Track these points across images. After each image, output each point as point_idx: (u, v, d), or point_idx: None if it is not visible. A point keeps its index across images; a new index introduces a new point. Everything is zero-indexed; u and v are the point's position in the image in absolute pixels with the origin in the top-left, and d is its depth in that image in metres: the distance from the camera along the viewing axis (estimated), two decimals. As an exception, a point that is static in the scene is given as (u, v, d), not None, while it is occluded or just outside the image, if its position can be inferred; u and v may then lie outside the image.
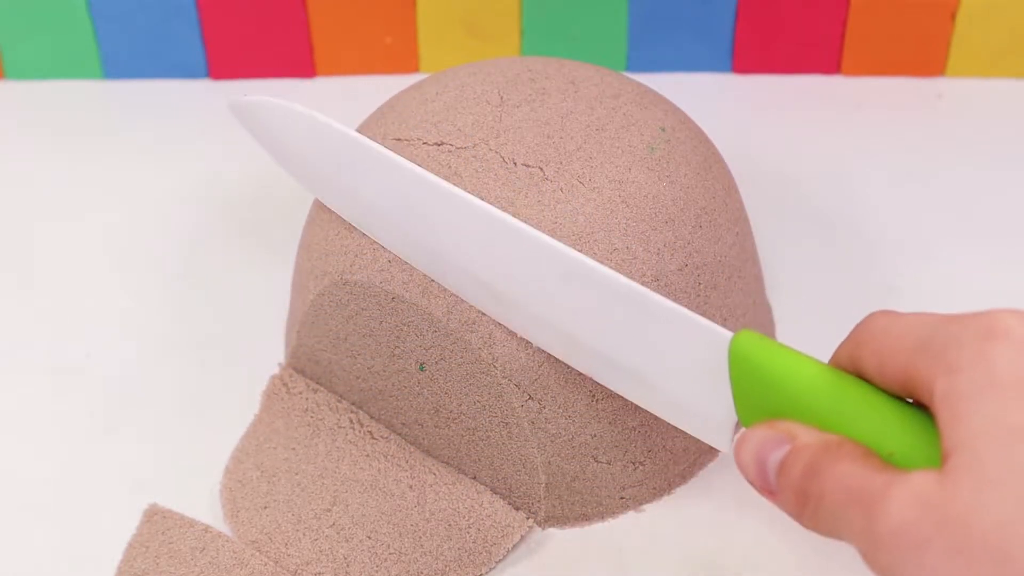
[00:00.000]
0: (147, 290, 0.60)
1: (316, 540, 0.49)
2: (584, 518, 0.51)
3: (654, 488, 0.51)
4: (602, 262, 0.47)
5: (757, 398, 0.39)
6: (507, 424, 0.48)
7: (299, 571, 0.48)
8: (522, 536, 0.49)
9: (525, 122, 0.50)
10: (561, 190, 0.48)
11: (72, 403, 0.55)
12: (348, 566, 0.48)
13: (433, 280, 0.48)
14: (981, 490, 0.32)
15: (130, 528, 0.50)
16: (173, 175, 0.66)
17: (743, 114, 0.69)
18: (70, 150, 0.68)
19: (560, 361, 0.47)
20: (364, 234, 0.49)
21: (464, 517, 0.49)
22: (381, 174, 0.48)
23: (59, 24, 0.69)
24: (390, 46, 0.70)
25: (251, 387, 0.54)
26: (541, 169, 0.48)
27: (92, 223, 0.63)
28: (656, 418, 0.46)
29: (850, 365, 0.38)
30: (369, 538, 0.49)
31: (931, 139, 0.67)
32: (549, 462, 0.49)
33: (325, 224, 0.51)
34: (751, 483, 0.39)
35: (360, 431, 0.52)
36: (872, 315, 0.38)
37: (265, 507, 0.50)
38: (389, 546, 0.49)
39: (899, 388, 0.36)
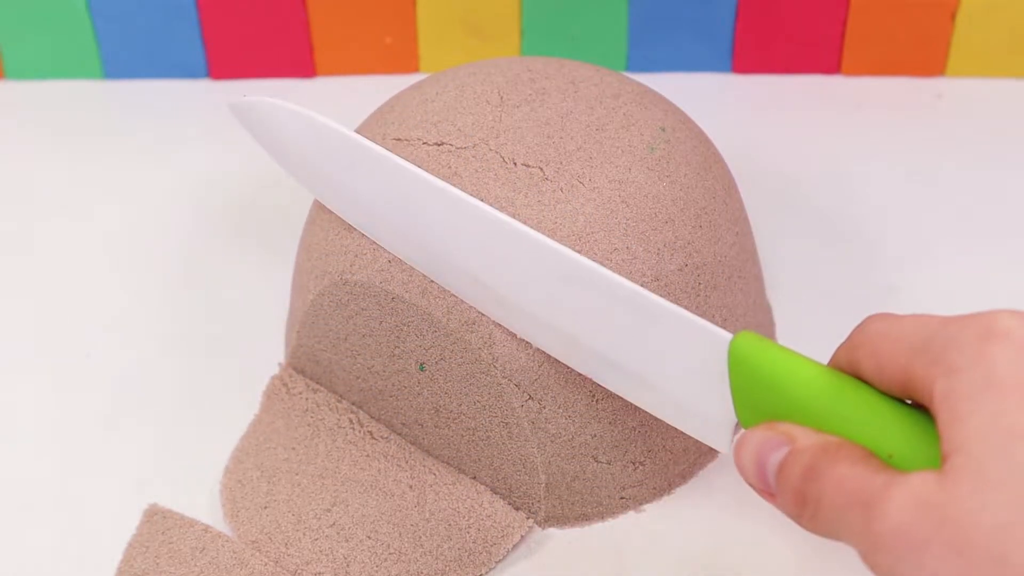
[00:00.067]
0: (147, 290, 0.60)
1: (316, 540, 0.49)
2: (584, 518, 0.51)
3: (654, 488, 0.51)
4: (602, 262, 0.47)
5: (756, 399, 0.39)
6: (507, 424, 0.48)
7: (299, 571, 0.48)
8: (522, 536, 0.49)
9: (525, 122, 0.50)
10: (561, 190, 0.48)
11: (72, 403, 0.55)
12: (348, 566, 0.48)
13: (433, 280, 0.48)
14: (980, 492, 0.32)
15: (130, 528, 0.50)
16: (173, 175, 0.66)
17: (743, 114, 0.69)
18: (70, 150, 0.68)
19: (560, 361, 0.47)
20: (364, 234, 0.49)
21: (464, 517, 0.49)
22: (380, 175, 0.48)
23: (59, 24, 0.69)
24: (390, 46, 0.70)
25: (251, 387, 0.54)
26: (541, 169, 0.48)
27: (92, 223, 0.63)
28: (656, 418, 0.46)
29: (849, 367, 0.38)
30: (369, 538, 0.49)
31: (931, 139, 0.67)
32: (549, 462, 0.49)
33: (325, 224, 0.51)
34: (751, 485, 0.39)
35: (360, 431, 0.52)
36: (870, 317, 0.38)
37: (265, 507, 0.50)
38: (389, 546, 0.49)
39: (898, 390, 0.36)
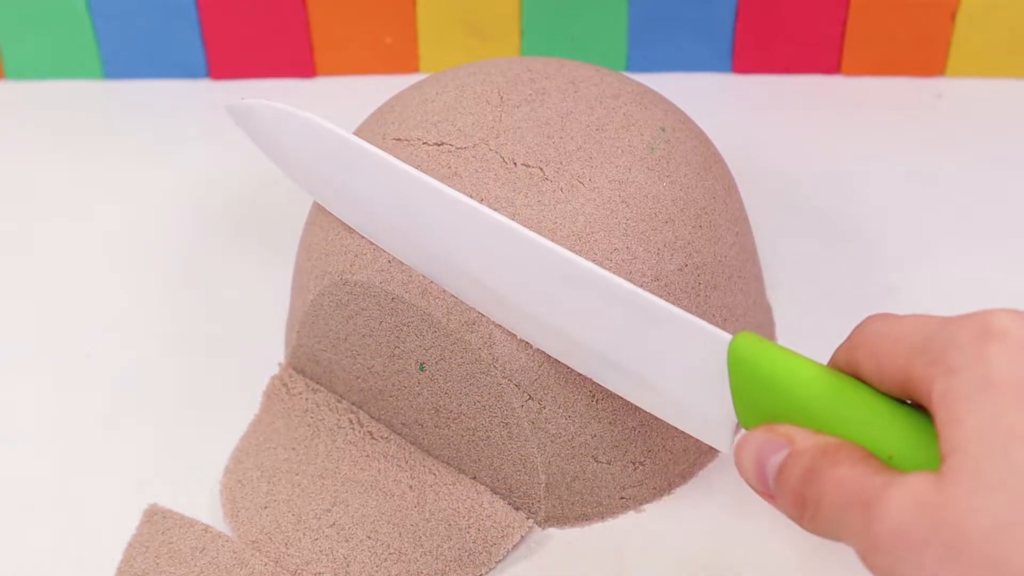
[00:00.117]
0: (147, 290, 0.60)
1: (316, 540, 0.49)
2: (584, 518, 0.51)
3: (654, 488, 0.51)
4: (602, 262, 0.47)
5: (756, 400, 0.39)
6: (507, 424, 0.48)
7: (299, 571, 0.48)
8: (522, 536, 0.49)
9: (525, 122, 0.50)
10: (561, 190, 0.48)
11: (72, 403, 0.55)
12: (348, 566, 0.48)
13: (433, 281, 0.48)
14: (976, 493, 0.32)
15: (130, 528, 0.50)
16: (173, 175, 0.66)
17: (743, 114, 0.69)
18: (70, 150, 0.68)
19: (560, 361, 0.47)
20: (364, 236, 0.49)
21: (464, 517, 0.49)
22: (378, 177, 0.48)
23: (59, 24, 0.69)
24: (390, 46, 0.70)
25: (251, 387, 0.54)
26: (541, 169, 0.48)
27: (92, 223, 0.63)
28: (656, 418, 0.46)
29: (848, 368, 0.38)
30: (369, 538, 0.49)
31: (931, 139, 0.67)
32: (549, 462, 0.49)
33: (325, 224, 0.51)
34: (751, 487, 0.39)
35: (360, 431, 0.52)
36: (870, 318, 0.38)
37: (265, 507, 0.50)
38: (389, 546, 0.49)
39: (898, 390, 0.36)
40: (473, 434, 0.49)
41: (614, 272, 0.47)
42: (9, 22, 0.69)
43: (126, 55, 0.71)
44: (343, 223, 0.50)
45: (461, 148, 0.49)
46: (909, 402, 0.37)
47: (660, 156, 0.50)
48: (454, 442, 0.50)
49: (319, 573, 0.48)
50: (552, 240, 0.47)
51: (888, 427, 0.36)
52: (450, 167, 0.49)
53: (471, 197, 0.48)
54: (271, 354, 0.56)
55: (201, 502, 0.51)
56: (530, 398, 0.48)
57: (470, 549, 0.49)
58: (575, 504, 0.50)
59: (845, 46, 0.70)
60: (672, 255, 0.48)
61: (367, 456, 0.51)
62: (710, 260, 0.49)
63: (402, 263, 0.48)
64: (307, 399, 0.53)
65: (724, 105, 0.70)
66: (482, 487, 0.50)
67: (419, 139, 0.50)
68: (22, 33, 0.70)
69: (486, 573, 0.49)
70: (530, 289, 0.45)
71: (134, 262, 0.61)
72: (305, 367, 0.54)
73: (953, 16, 0.68)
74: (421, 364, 0.49)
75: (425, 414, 0.50)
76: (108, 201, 0.65)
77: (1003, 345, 0.34)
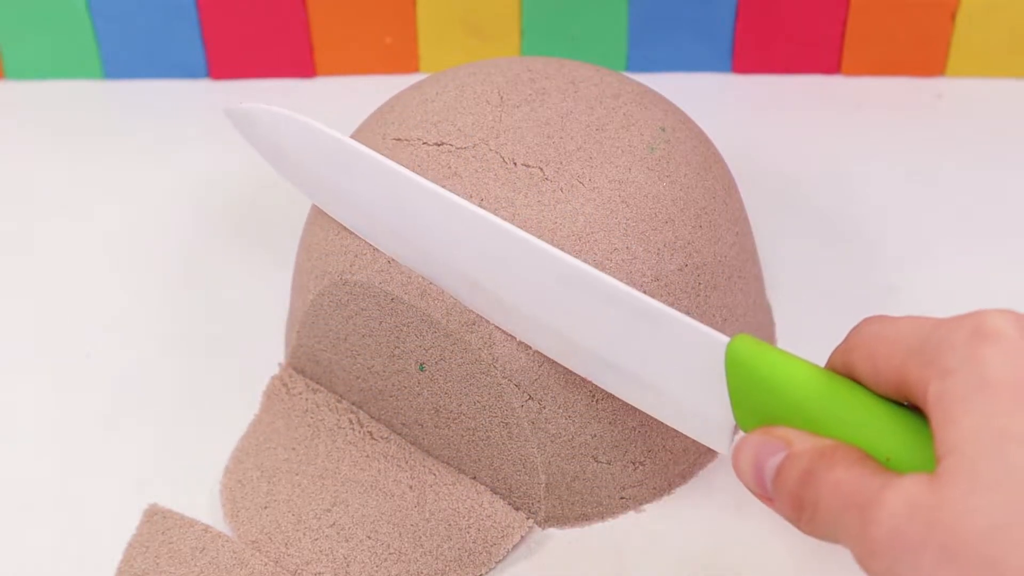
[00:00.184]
0: (147, 290, 0.60)
1: (316, 540, 0.49)
2: (584, 518, 0.51)
3: (654, 488, 0.51)
4: (602, 262, 0.47)
5: (754, 402, 0.39)
6: (507, 424, 0.48)
7: (299, 571, 0.48)
8: (522, 536, 0.49)
9: (525, 122, 0.50)
10: (561, 190, 0.48)
11: (72, 403, 0.55)
12: (348, 566, 0.48)
13: (432, 282, 0.48)
14: (971, 494, 0.32)
15: (130, 528, 0.50)
16: (173, 175, 0.66)
17: (743, 114, 0.69)
18: (70, 150, 0.68)
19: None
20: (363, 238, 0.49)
21: (464, 517, 0.49)
22: (376, 180, 0.48)
23: (59, 24, 0.69)
24: (390, 46, 0.70)
25: (251, 387, 0.54)
26: (541, 169, 0.48)
27: (92, 223, 0.63)
28: (656, 418, 0.46)
29: (845, 370, 0.38)
30: (369, 538, 0.49)
31: (931, 139, 0.67)
32: (549, 462, 0.49)
33: (325, 224, 0.51)
34: (750, 490, 0.39)
35: (360, 431, 0.52)
36: (865, 320, 0.38)
37: (265, 507, 0.50)
38: (389, 546, 0.49)
39: (894, 392, 0.36)
40: (473, 434, 0.49)
41: (614, 272, 0.47)
42: (9, 22, 0.69)
43: (126, 55, 0.71)
44: (343, 224, 0.50)
45: (461, 148, 0.49)
46: (906, 404, 0.37)
47: (660, 156, 0.50)
48: (454, 442, 0.50)
49: (319, 573, 0.48)
50: (552, 240, 0.47)
51: (885, 429, 0.36)
52: (450, 167, 0.49)
53: (471, 197, 0.48)
54: (271, 354, 0.56)
55: (201, 502, 0.51)
56: (530, 398, 0.48)
57: (470, 549, 0.49)
58: (575, 504, 0.50)
59: (845, 46, 0.70)
60: (672, 255, 0.48)
61: (367, 456, 0.51)
62: (710, 260, 0.49)
63: (402, 263, 0.48)
64: (307, 399, 0.53)
65: (724, 105, 0.69)
66: (482, 487, 0.50)
67: (419, 139, 0.50)
68: (22, 33, 0.70)
69: (486, 573, 0.49)
70: (528, 291, 0.45)
71: (134, 262, 0.61)
72: (305, 367, 0.54)
73: (953, 16, 0.68)
74: (421, 364, 0.49)
75: (425, 414, 0.50)
76: (108, 201, 0.65)
77: (997, 346, 0.34)
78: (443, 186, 0.48)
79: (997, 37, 0.69)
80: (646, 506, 0.51)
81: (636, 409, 0.47)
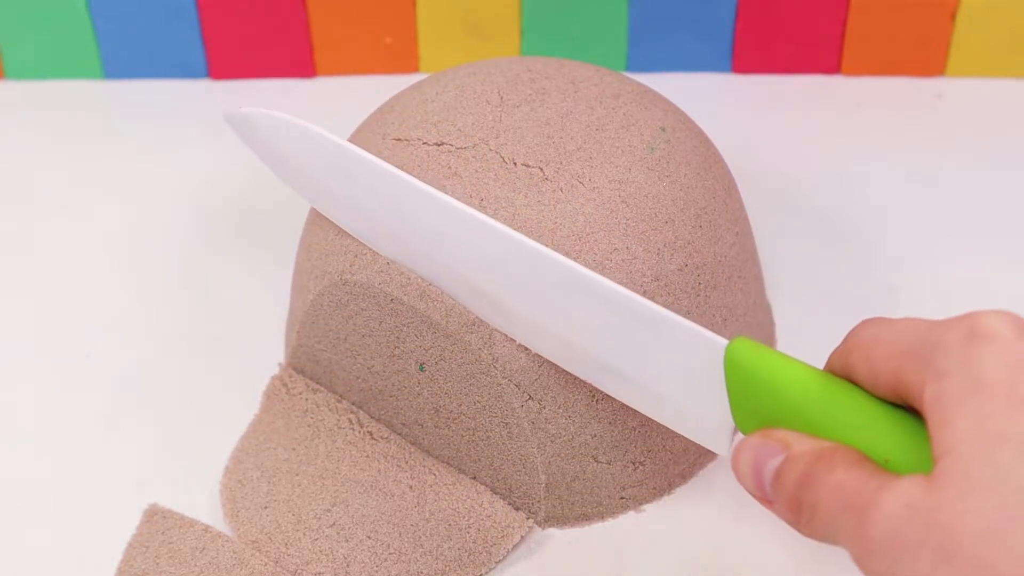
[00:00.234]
0: (147, 290, 0.60)
1: (316, 540, 0.49)
2: (584, 518, 0.51)
3: (654, 488, 0.51)
4: (602, 262, 0.47)
5: (753, 404, 0.40)
6: (507, 424, 0.48)
7: (299, 571, 0.48)
8: (522, 536, 0.49)
9: (525, 122, 0.50)
10: (561, 190, 0.48)
11: (72, 403, 0.55)
12: (348, 566, 0.48)
13: (432, 284, 0.48)
14: (966, 496, 0.32)
15: (130, 528, 0.50)
16: (173, 175, 0.66)
17: (743, 114, 0.69)
18: (70, 150, 0.68)
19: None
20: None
21: (464, 517, 0.49)
22: (375, 184, 0.48)
23: (59, 24, 0.69)
24: (390, 46, 0.70)
25: (251, 387, 0.54)
26: (541, 169, 0.48)
27: (92, 223, 0.63)
28: (656, 418, 0.46)
29: (843, 372, 0.38)
30: (369, 538, 0.49)
31: (931, 139, 0.67)
32: (549, 462, 0.49)
33: (325, 224, 0.51)
34: (749, 492, 0.39)
35: (360, 431, 0.52)
36: (863, 322, 0.38)
37: (265, 507, 0.50)
38: (389, 546, 0.49)
39: (891, 394, 0.36)
40: (473, 434, 0.49)
41: (614, 272, 0.47)
42: (9, 22, 0.69)
43: (126, 55, 0.71)
44: (343, 228, 0.50)
45: (461, 148, 0.49)
46: (904, 406, 0.37)
47: (660, 156, 0.50)
48: (454, 442, 0.50)
49: (319, 573, 0.48)
50: (552, 240, 0.47)
51: (883, 431, 0.36)
52: (450, 167, 0.49)
53: (471, 197, 0.48)
54: (271, 354, 0.56)
55: (201, 502, 0.51)
56: (530, 398, 0.48)
57: (470, 549, 0.49)
58: (575, 504, 0.50)
59: (845, 46, 0.70)
60: (672, 255, 0.48)
61: (367, 456, 0.51)
62: (710, 260, 0.49)
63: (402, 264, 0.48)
64: (307, 399, 0.53)
65: (724, 105, 0.69)
66: (482, 487, 0.50)
67: (419, 139, 0.50)
68: (22, 33, 0.70)
69: (486, 573, 0.49)
70: (527, 294, 0.45)
71: (134, 262, 0.61)
72: (305, 367, 0.54)
73: (953, 16, 0.68)
74: (421, 364, 0.49)
75: (425, 414, 0.50)
76: (108, 201, 0.65)
77: (992, 347, 0.34)
78: (443, 186, 0.48)
79: (997, 37, 0.69)
80: (646, 506, 0.51)
81: (636, 409, 0.47)
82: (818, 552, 0.49)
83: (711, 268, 0.49)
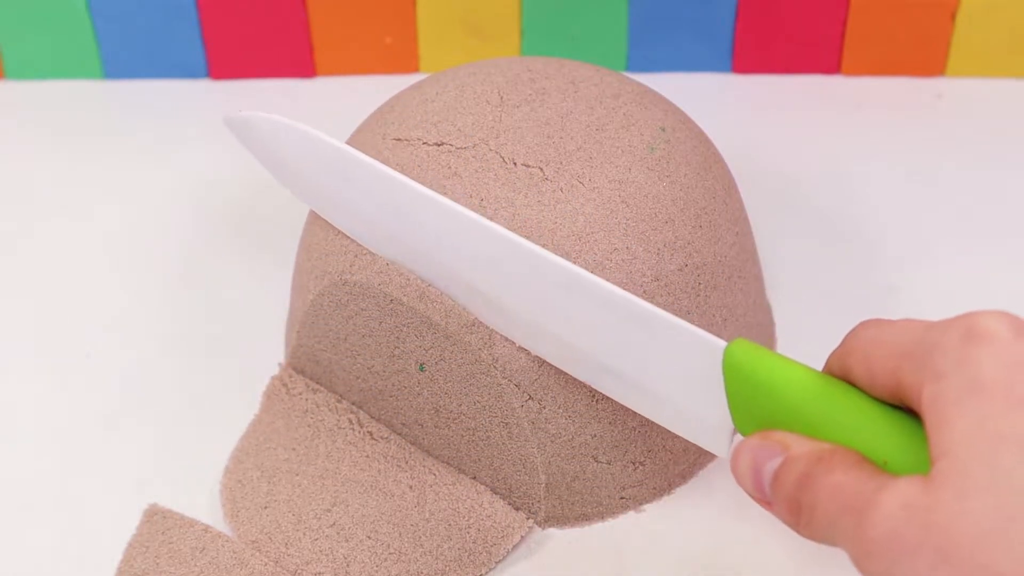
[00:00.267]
0: (147, 290, 0.60)
1: (316, 540, 0.49)
2: (584, 518, 0.51)
3: (654, 488, 0.51)
4: (602, 262, 0.47)
5: (752, 406, 0.40)
6: (507, 424, 0.48)
7: (299, 571, 0.48)
8: (522, 536, 0.49)
9: (525, 122, 0.50)
10: (561, 190, 0.48)
11: (72, 403, 0.55)
12: (348, 566, 0.48)
13: (432, 285, 0.48)
14: (964, 498, 0.32)
15: (130, 528, 0.50)
16: (173, 175, 0.66)
17: (743, 114, 0.69)
18: (70, 150, 0.68)
19: (559, 364, 0.47)
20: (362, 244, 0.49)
21: (464, 517, 0.50)
22: (375, 187, 0.48)
23: (59, 24, 0.69)
24: (390, 46, 0.70)
25: (251, 387, 0.54)
26: (541, 169, 0.48)
27: (92, 223, 0.63)
28: (656, 418, 0.46)
29: (841, 374, 0.38)
30: (369, 538, 0.49)
31: (931, 139, 0.67)
32: (549, 462, 0.49)
33: (325, 224, 0.51)
34: (748, 494, 0.39)
35: (360, 431, 0.52)
36: (861, 323, 0.38)
37: (265, 507, 0.50)
38: (389, 546, 0.49)
39: (890, 395, 0.36)
40: (473, 434, 0.49)
41: (614, 272, 0.47)
42: (9, 22, 0.69)
43: (126, 55, 0.71)
44: (343, 231, 0.50)
45: (461, 148, 0.49)
46: (903, 407, 0.37)
47: (660, 156, 0.50)
48: (454, 442, 0.50)
49: (319, 573, 0.48)
50: (552, 240, 0.47)
51: (882, 432, 0.36)
52: (450, 167, 0.49)
53: (471, 197, 0.48)
54: (271, 354, 0.56)
55: (201, 502, 0.51)
56: (530, 398, 0.48)
57: (470, 549, 0.49)
58: (575, 504, 0.50)
59: (845, 46, 0.70)
60: (672, 255, 0.48)
61: (367, 456, 0.51)
62: (710, 260, 0.49)
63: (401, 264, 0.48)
64: (307, 399, 0.53)
65: (724, 105, 0.70)
66: (482, 487, 0.50)
67: (419, 139, 0.50)
68: (22, 33, 0.70)
69: (486, 573, 0.49)
70: (526, 296, 0.45)
71: (134, 262, 0.61)
72: (305, 367, 0.54)
73: (953, 16, 0.68)
74: (421, 364, 0.49)
75: (425, 414, 0.50)
76: (108, 201, 0.65)
77: (989, 347, 0.34)
78: (443, 186, 0.48)
79: (997, 37, 0.69)
80: (646, 506, 0.51)
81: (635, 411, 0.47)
82: (818, 553, 0.49)
83: (711, 268, 0.49)
